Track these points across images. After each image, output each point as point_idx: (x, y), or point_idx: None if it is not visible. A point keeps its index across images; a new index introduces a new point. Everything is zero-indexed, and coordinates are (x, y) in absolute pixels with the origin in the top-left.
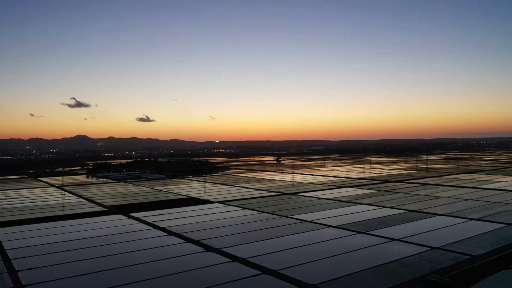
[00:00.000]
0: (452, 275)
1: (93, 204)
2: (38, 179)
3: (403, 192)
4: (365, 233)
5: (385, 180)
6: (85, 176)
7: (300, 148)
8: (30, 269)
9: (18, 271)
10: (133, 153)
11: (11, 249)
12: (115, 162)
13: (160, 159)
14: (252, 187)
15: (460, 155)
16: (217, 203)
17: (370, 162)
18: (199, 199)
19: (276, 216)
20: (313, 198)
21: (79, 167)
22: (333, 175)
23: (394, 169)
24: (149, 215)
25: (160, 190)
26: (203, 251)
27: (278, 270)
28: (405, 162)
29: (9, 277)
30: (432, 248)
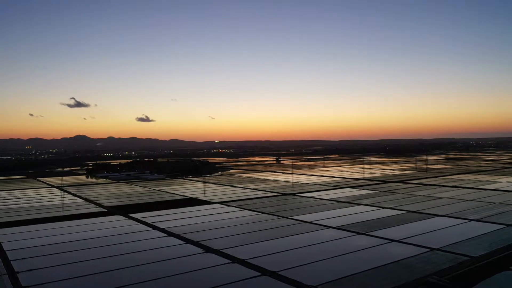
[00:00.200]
0: (452, 277)
1: (92, 204)
2: (37, 180)
3: (403, 193)
4: (364, 234)
5: (385, 180)
6: (84, 176)
7: (299, 148)
8: (29, 270)
9: (18, 272)
10: (133, 153)
11: (10, 250)
12: (114, 162)
13: (159, 159)
14: (252, 187)
15: (460, 156)
16: (217, 204)
17: (370, 162)
18: (199, 199)
19: (276, 217)
20: (312, 199)
21: (79, 167)
22: (332, 175)
23: (393, 170)
24: (149, 216)
25: (159, 190)
26: (203, 252)
27: (278, 271)
28: (405, 162)
29: (9, 278)
30: (432, 249)
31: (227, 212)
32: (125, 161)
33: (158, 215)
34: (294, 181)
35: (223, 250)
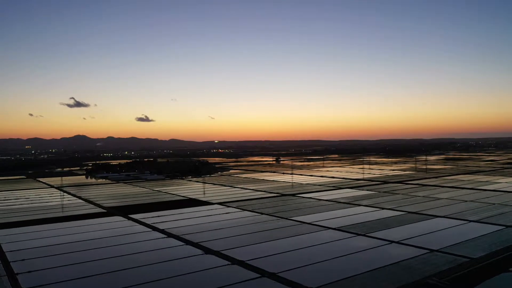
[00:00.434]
0: (451, 278)
1: (92, 205)
2: (37, 180)
3: (402, 194)
4: (364, 235)
5: (384, 181)
6: (84, 176)
7: (299, 148)
8: (29, 272)
9: (17, 274)
10: (132, 153)
11: (10, 251)
12: (114, 162)
13: (159, 160)
14: (252, 188)
15: (459, 156)
16: (216, 204)
17: (369, 163)
18: (199, 200)
19: (276, 218)
20: (312, 200)
21: (78, 168)
22: (332, 175)
23: (393, 170)
24: (149, 217)
25: (159, 191)
26: (202, 254)
27: (278, 273)
28: (404, 162)
29: (8, 280)
30: (432, 250)
31: (226, 213)
32: (125, 161)
33: (158, 216)
34: (293, 181)
35: (223, 251)
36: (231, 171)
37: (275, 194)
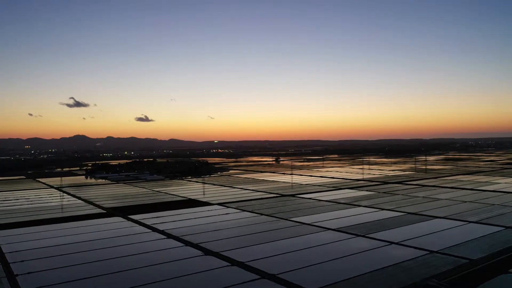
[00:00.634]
0: (450, 280)
1: (92, 206)
2: (36, 180)
3: (402, 194)
4: (363, 236)
5: (384, 181)
6: (83, 177)
7: (299, 148)
8: (29, 273)
9: (17, 275)
10: (132, 153)
11: (10, 252)
12: (114, 162)
13: (159, 160)
14: (251, 188)
15: (459, 156)
16: (216, 205)
17: (369, 163)
18: (198, 201)
19: (275, 219)
20: (312, 200)
21: (78, 168)
22: (332, 176)
23: (393, 170)
24: (148, 218)
25: (159, 191)
26: (202, 255)
27: (277, 274)
28: (404, 163)
29: (8, 281)
30: (431, 251)
31: (226, 214)
32: (124, 161)
33: (158, 217)
34: (293, 182)
35: (222, 253)
36: (230, 171)
37: (275, 195)
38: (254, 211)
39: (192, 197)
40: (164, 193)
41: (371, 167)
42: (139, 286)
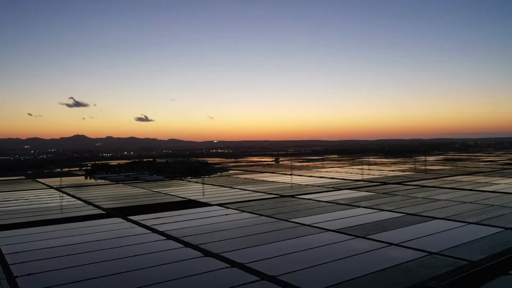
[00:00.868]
0: (450, 282)
1: (91, 206)
2: (36, 180)
3: (402, 195)
4: (363, 237)
5: (384, 182)
6: (83, 177)
7: (298, 149)
8: (29, 274)
9: (17, 276)
10: (132, 153)
11: (9, 253)
12: (113, 162)
13: (158, 160)
14: (251, 189)
15: (459, 156)
16: (215, 206)
17: (369, 163)
18: (198, 201)
19: (275, 220)
20: (311, 201)
21: (78, 168)
22: (331, 176)
23: (392, 171)
24: (148, 218)
25: (158, 192)
26: (202, 256)
27: (277, 276)
28: (404, 163)
29: (8, 283)
30: (431, 253)
31: (226, 215)
32: (124, 161)
33: (157, 218)
34: (293, 182)
35: (222, 254)
36: (230, 171)
37: (275, 195)
38: (254, 212)
39: (192, 198)
40: (164, 193)
41: (371, 167)
42: None
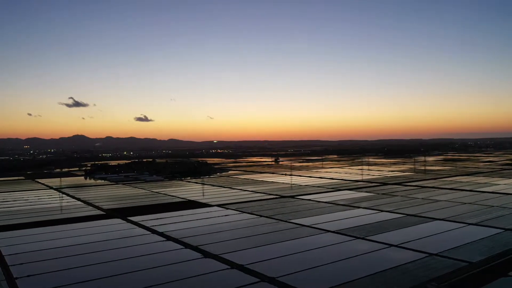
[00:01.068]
0: (450, 283)
1: (91, 207)
2: (36, 181)
3: (401, 195)
4: (363, 238)
5: (383, 182)
6: (83, 177)
7: (298, 149)
8: (28, 276)
9: (17, 278)
10: (131, 153)
11: (9, 255)
12: (113, 163)
13: (158, 160)
14: (250, 189)
15: (458, 156)
16: (215, 207)
17: (368, 164)
18: (198, 202)
19: (275, 221)
20: (311, 202)
21: (77, 168)
22: (331, 177)
23: (392, 171)
24: (148, 219)
25: (158, 192)
26: (202, 257)
27: (277, 277)
28: (403, 163)
29: (7, 284)
30: (431, 254)
31: (226, 215)
32: (124, 161)
33: (157, 218)
34: (292, 183)
35: (222, 255)
36: (230, 172)
37: (274, 196)
38: (254, 212)
39: (192, 199)
40: (164, 194)
41: (370, 167)
42: None
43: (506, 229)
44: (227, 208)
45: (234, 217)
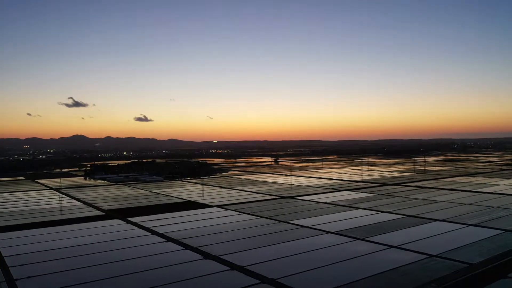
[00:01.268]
0: (450, 285)
1: (91, 208)
2: (35, 181)
3: (401, 196)
4: (363, 239)
5: (383, 183)
6: (82, 178)
7: (298, 149)
8: (28, 277)
9: (17, 280)
10: (131, 153)
11: (9, 256)
12: (112, 163)
13: (157, 160)
14: (250, 190)
15: (458, 157)
16: (215, 207)
17: (368, 164)
18: (198, 202)
19: (275, 221)
20: (311, 202)
21: (77, 168)
22: (331, 177)
23: (391, 171)
24: (148, 220)
25: (158, 193)
26: (202, 259)
27: (277, 279)
28: (403, 163)
29: (7, 286)
30: (430, 255)
31: (225, 216)
32: (123, 161)
33: (157, 219)
34: (292, 183)
35: (222, 256)
36: (229, 172)
37: (274, 197)
38: (254, 213)
39: (192, 199)
40: (164, 194)
41: (370, 168)
42: None
43: (506, 230)
44: (227, 209)
45: (234, 218)
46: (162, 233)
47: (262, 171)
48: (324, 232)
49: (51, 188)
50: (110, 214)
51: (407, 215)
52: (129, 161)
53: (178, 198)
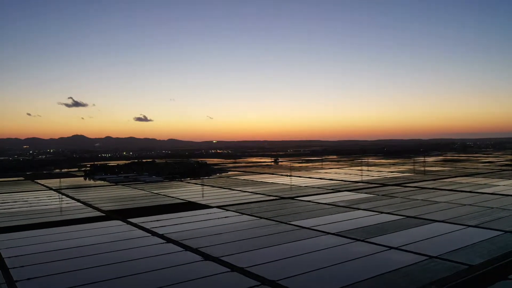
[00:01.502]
0: (450, 286)
1: (91, 208)
2: (35, 182)
3: (401, 197)
4: (363, 240)
5: (383, 183)
6: (82, 178)
7: (298, 149)
8: (28, 279)
9: (17, 281)
10: (131, 153)
11: (9, 257)
12: (112, 163)
13: (157, 160)
14: (250, 190)
15: (457, 157)
16: (215, 208)
17: (368, 164)
18: (197, 203)
19: (275, 222)
20: (311, 203)
21: (77, 169)
22: (330, 178)
23: (391, 172)
24: (148, 221)
25: (158, 193)
26: (202, 260)
27: (277, 280)
28: (403, 164)
29: (7, 287)
30: (431, 257)
31: (225, 217)
32: (123, 162)
33: (157, 220)
34: (292, 184)
35: (222, 258)
36: (229, 172)
37: (274, 197)
38: (254, 214)
39: (191, 200)
40: (163, 195)
41: (370, 168)
42: None
43: (506, 231)
44: (227, 210)
45: (234, 218)
46: (162, 234)
47: (262, 172)
48: (324, 233)
49: (51, 189)
50: (110, 215)
51: (407, 216)
52: (129, 161)
53: (178, 198)
